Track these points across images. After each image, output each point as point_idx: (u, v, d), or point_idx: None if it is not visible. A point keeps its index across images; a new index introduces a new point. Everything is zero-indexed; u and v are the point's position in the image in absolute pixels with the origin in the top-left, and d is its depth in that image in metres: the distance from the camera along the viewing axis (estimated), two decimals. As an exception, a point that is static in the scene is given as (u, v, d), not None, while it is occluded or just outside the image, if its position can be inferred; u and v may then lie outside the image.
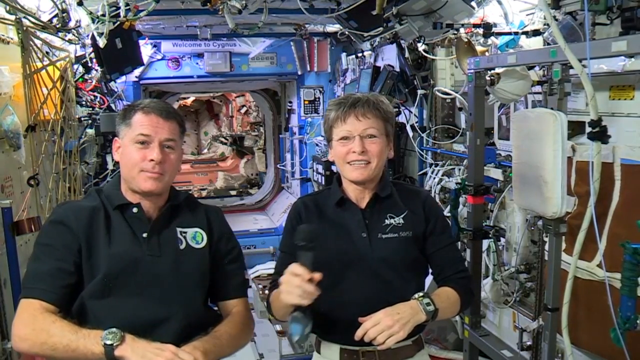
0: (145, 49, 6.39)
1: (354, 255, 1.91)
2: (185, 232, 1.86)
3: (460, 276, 1.99)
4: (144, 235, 1.80)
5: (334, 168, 2.03)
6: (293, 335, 1.70)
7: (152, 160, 1.75)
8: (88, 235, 1.76)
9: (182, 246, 1.84)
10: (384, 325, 1.70)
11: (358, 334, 1.73)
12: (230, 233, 1.99)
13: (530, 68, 2.88)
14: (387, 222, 1.94)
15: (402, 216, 1.95)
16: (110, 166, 5.06)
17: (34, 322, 1.64)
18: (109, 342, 1.57)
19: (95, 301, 1.72)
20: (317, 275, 1.65)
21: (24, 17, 3.06)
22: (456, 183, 3.57)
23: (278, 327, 4.65)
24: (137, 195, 1.82)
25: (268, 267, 6.88)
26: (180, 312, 1.77)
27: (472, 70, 2.94)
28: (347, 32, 4.51)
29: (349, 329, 1.81)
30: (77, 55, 4.70)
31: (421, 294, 1.82)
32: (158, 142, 1.77)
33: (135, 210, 1.81)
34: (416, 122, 4.70)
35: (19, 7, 2.99)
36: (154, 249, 1.80)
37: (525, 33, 3.22)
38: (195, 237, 1.87)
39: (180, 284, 1.80)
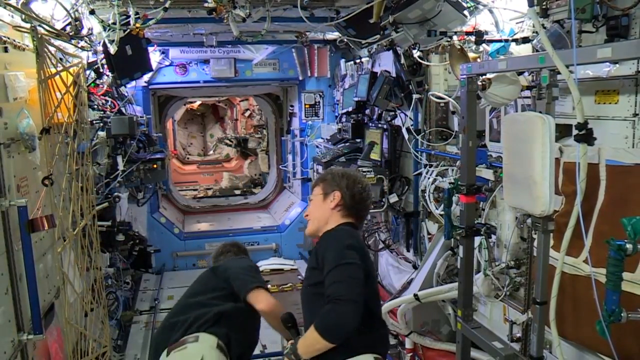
0: (154, 56, 6.40)
1: None
2: None
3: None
4: None
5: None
6: None
7: None
8: None
9: None
10: None
11: None
12: None
13: (520, 73, 2.88)
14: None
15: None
16: (120, 167, 5.05)
17: None
18: None
19: None
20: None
21: (39, 25, 3.06)
22: (449, 183, 3.56)
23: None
24: None
25: (270, 263, 6.89)
26: None
27: (464, 76, 2.94)
28: (346, 40, 4.51)
29: None
30: (89, 61, 4.70)
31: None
32: None
33: None
34: (411, 125, 4.71)
35: (34, 15, 2.99)
36: None
37: (515, 40, 3.22)
38: None
39: None
